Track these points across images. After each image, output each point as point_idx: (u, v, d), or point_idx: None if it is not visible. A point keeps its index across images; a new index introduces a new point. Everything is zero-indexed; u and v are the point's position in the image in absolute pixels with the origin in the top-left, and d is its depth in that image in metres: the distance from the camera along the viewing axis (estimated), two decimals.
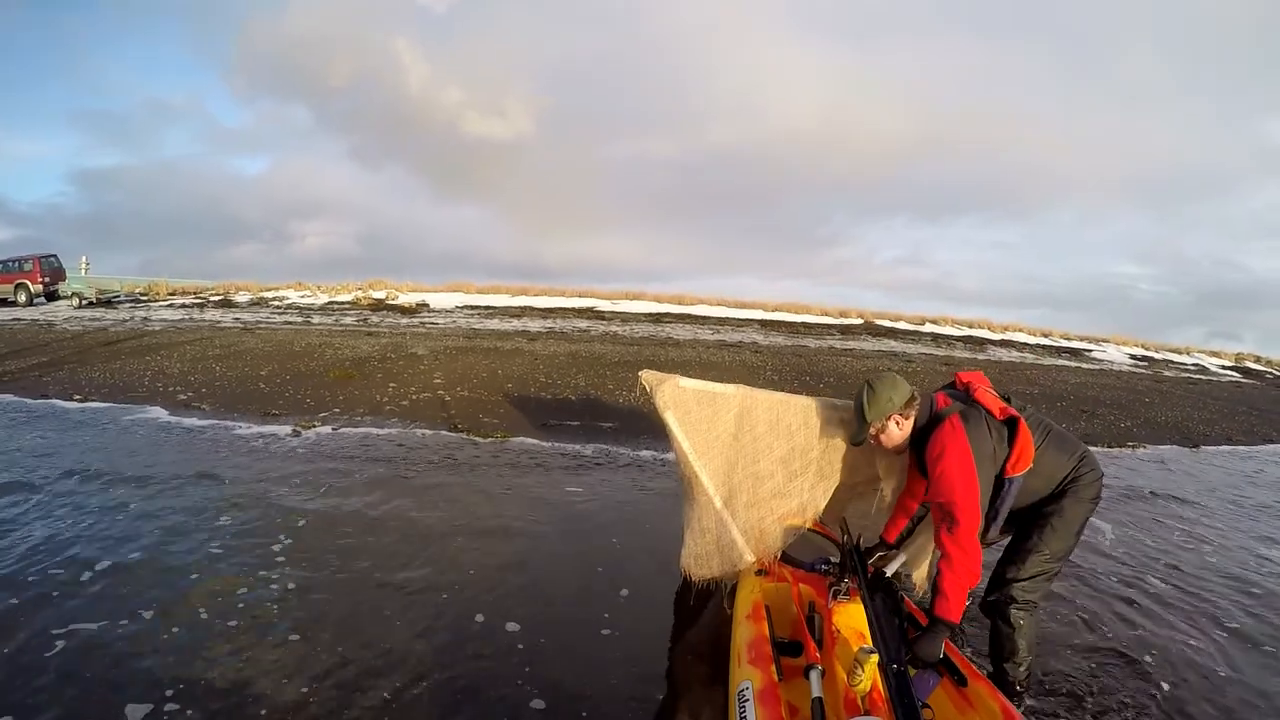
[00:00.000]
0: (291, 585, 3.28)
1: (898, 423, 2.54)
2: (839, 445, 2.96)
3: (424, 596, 3.26)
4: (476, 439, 6.43)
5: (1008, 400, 2.54)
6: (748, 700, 1.97)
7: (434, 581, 3.41)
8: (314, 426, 6.54)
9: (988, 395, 2.52)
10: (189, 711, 2.38)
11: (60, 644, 2.72)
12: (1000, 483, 2.45)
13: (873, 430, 2.57)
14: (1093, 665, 3.07)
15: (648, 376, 3.03)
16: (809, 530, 3.00)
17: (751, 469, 2.98)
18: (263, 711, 2.40)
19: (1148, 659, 3.15)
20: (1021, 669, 2.63)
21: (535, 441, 6.47)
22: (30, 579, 3.23)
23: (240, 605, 3.08)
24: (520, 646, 2.88)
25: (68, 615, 2.93)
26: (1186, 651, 3.26)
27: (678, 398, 2.94)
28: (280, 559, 3.56)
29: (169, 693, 2.46)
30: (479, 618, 3.09)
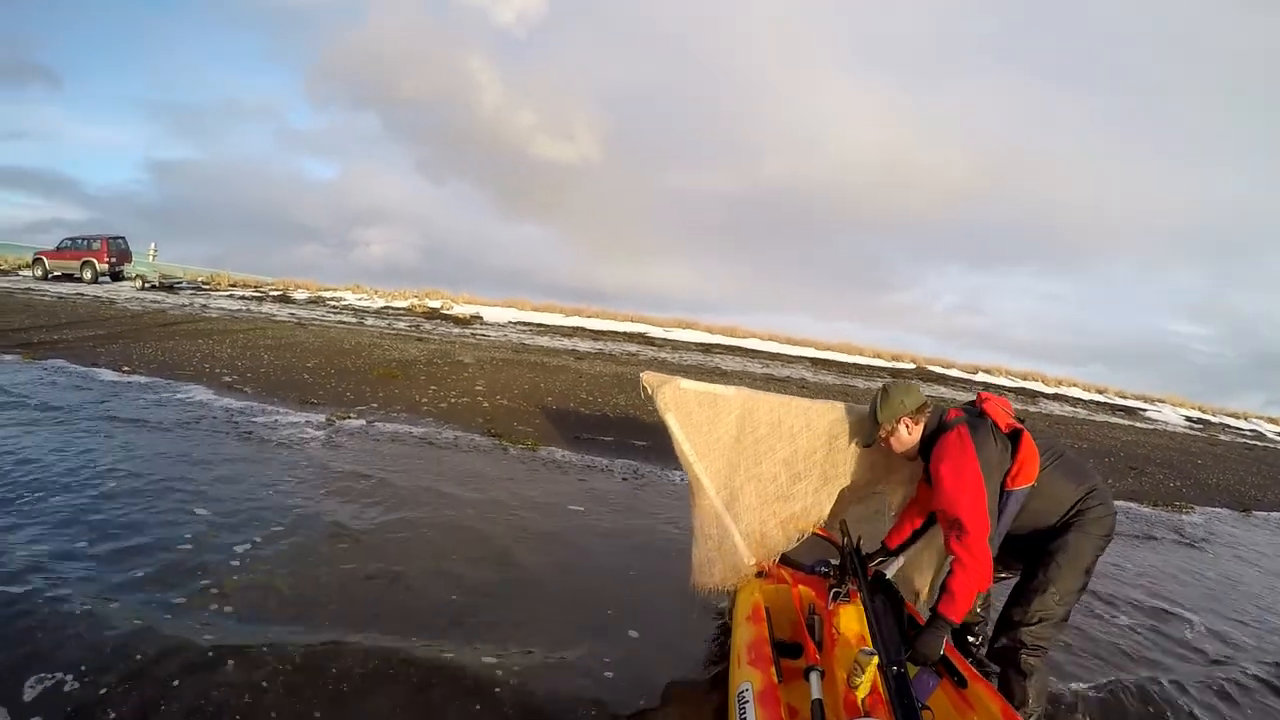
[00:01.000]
0: (277, 579, 3.06)
1: (908, 426, 2.58)
2: (843, 448, 2.93)
3: (421, 599, 3.01)
4: (507, 445, 6.24)
5: (1021, 420, 2.52)
6: (747, 701, 1.96)
7: (435, 593, 3.11)
8: (349, 418, 6.47)
9: (997, 410, 2.53)
10: (119, 686, 2.20)
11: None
12: (1001, 493, 2.44)
13: (883, 432, 2.60)
14: None
15: (649, 378, 2.99)
16: (810, 533, 2.97)
17: (754, 471, 2.93)
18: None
19: None
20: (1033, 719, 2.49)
21: (565, 453, 6.25)
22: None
23: (218, 590, 2.92)
24: (511, 683, 2.54)
25: (36, 569, 2.84)
26: None
27: (678, 399, 2.91)
28: (268, 550, 3.36)
29: (119, 663, 2.30)
30: (472, 630, 2.83)
